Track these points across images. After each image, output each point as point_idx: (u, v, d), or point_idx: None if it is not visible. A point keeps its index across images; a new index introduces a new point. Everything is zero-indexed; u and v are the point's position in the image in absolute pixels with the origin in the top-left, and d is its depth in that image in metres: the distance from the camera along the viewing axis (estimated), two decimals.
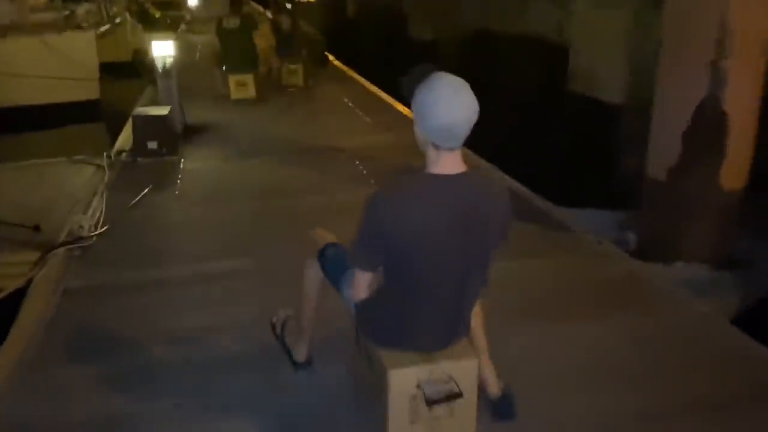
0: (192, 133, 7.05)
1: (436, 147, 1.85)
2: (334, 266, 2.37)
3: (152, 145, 6.02)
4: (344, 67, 11.95)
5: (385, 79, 9.83)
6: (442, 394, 2.06)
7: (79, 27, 11.46)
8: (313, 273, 2.45)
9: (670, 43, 4.15)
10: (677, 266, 4.15)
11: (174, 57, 6.84)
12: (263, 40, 9.26)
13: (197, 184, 5.47)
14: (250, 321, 3.05)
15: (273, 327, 2.82)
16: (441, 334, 2.10)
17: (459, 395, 2.07)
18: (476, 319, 2.32)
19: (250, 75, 8.56)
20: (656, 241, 4.33)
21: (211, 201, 5.06)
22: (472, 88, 1.79)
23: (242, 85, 8.57)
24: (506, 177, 5.22)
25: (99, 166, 5.83)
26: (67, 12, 11.81)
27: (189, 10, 24.19)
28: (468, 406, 2.13)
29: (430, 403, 2.06)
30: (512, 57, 9.29)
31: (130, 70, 13.92)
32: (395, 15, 14.70)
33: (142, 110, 6.23)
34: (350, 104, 8.56)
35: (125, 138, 6.63)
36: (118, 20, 14.60)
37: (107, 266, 3.89)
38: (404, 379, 2.06)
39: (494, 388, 2.43)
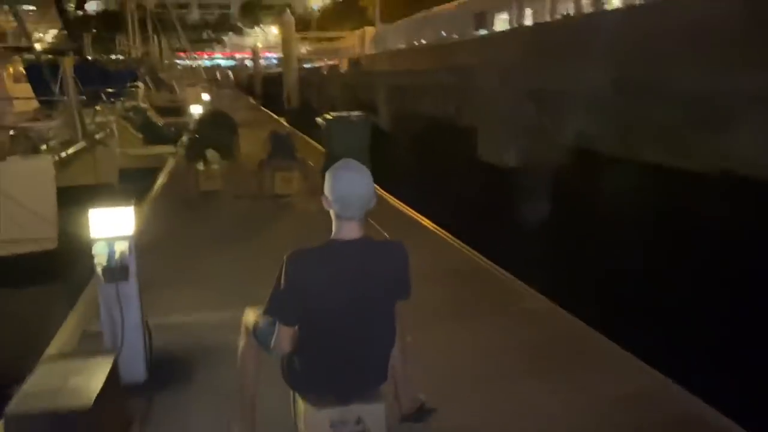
0: (163, 383, 3.58)
1: (339, 216, 2.26)
2: (265, 331, 2.50)
3: None
4: (397, 202, 8.72)
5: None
6: None
7: (34, 150, 8.31)
8: (248, 345, 2.66)
9: None
10: None
11: (133, 238, 3.49)
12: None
13: None
14: None
15: None
16: (354, 382, 2.35)
17: None
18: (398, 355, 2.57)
19: (218, 167, 9.23)
20: None
21: None
22: None
23: (210, 178, 9.18)
24: None
25: None
26: (13, 131, 8.62)
27: (193, 117, 21.46)
28: None
29: None
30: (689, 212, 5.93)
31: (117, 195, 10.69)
32: (451, 129, 11.64)
33: (38, 392, 2.69)
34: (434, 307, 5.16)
35: None
36: (100, 135, 11.49)
37: None
38: (318, 420, 2.32)
39: (405, 409, 2.81)
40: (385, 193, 8.93)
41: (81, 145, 10.13)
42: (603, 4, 9.49)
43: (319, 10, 64.37)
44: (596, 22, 7.89)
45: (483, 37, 13.62)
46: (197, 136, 9.75)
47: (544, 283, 5.26)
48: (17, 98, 10.57)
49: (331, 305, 2.22)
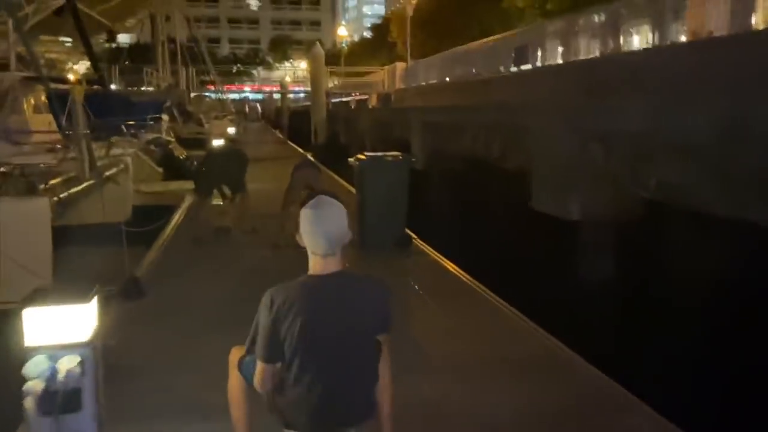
0: None
1: (313, 253, 2.28)
2: (249, 366, 2.47)
3: None
4: (434, 253, 7.58)
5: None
6: None
7: (30, 189, 7.32)
8: (234, 381, 2.62)
9: None
10: None
11: (93, 346, 2.37)
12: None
13: None
14: None
15: None
16: (337, 418, 2.30)
17: None
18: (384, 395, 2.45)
19: (228, 202, 8.89)
20: None
21: None
22: None
23: (223, 214, 8.89)
24: None
25: None
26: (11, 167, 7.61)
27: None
28: None
29: None
30: None
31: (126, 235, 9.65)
32: (495, 172, 10.49)
33: None
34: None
35: None
36: (111, 170, 10.55)
37: None
38: None
39: None
40: (435, 253, 7.71)
41: (87, 183, 9.15)
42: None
43: (347, 46, 64.45)
44: (689, 52, 6.73)
45: (535, 70, 12.55)
46: (204, 169, 9.37)
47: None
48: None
49: (310, 340, 2.21)
